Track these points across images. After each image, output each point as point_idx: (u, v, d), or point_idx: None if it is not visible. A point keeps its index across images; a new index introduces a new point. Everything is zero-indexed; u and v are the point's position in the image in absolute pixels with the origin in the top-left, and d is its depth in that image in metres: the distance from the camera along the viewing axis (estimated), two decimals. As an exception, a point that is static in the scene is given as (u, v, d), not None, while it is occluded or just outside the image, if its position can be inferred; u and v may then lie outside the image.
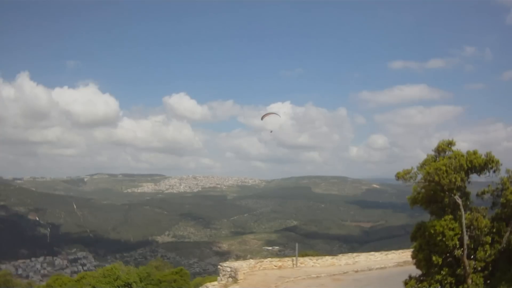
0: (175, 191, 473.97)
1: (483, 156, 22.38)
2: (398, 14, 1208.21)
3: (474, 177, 23.27)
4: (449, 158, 22.33)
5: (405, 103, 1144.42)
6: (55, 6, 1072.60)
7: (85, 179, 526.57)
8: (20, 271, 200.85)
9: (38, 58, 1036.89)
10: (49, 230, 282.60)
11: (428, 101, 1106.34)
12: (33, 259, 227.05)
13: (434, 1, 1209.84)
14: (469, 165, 21.94)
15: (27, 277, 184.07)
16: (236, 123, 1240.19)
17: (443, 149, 23.03)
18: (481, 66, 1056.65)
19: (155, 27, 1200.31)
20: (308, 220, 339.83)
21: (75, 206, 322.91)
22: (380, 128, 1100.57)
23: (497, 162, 22.55)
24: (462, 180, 22.17)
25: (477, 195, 24.20)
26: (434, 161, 22.52)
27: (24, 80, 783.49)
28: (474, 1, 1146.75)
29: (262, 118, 49.65)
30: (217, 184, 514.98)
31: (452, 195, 22.34)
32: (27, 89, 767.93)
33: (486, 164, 22.20)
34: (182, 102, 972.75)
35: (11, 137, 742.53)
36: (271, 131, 53.49)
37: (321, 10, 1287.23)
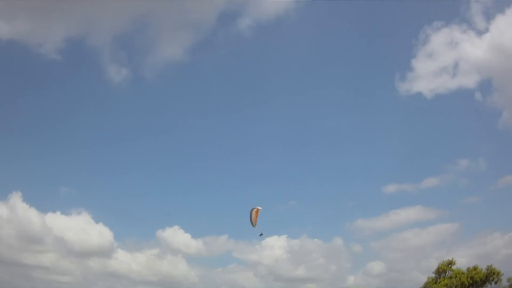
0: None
1: (484, 270, 22.97)
2: (390, 138, 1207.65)
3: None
4: (450, 278, 23.02)
5: (401, 226, 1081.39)
6: (48, 129, 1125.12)
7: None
8: None
9: (30, 180, 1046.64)
10: None
11: (424, 222, 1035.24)
12: None
13: (423, 118, 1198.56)
14: (470, 281, 22.56)
15: None
16: (231, 258, 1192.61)
17: (443, 269, 23.72)
18: (476, 177, 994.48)
19: (146, 160, 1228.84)
20: None
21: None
22: (377, 254, 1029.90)
23: (498, 273, 23.07)
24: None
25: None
26: (435, 283, 23.12)
27: (17, 201, 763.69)
28: (464, 110, 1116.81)
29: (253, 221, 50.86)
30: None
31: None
32: (20, 211, 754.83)
33: (487, 277, 22.72)
34: (176, 235, 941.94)
35: (6, 258, 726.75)
36: (261, 234, 54.84)
37: (310, 142, 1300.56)
